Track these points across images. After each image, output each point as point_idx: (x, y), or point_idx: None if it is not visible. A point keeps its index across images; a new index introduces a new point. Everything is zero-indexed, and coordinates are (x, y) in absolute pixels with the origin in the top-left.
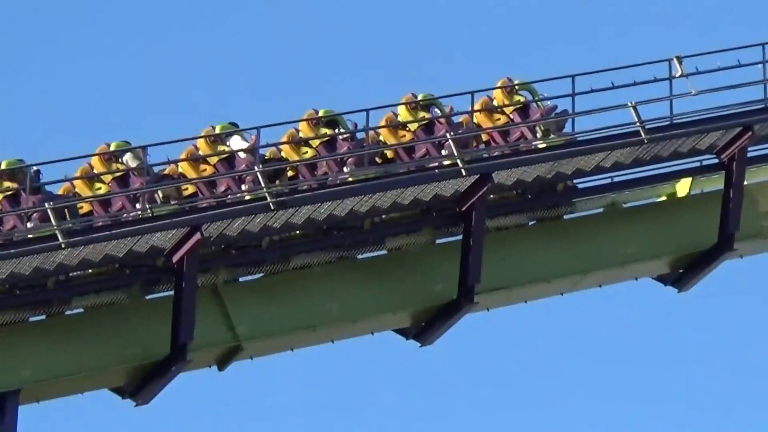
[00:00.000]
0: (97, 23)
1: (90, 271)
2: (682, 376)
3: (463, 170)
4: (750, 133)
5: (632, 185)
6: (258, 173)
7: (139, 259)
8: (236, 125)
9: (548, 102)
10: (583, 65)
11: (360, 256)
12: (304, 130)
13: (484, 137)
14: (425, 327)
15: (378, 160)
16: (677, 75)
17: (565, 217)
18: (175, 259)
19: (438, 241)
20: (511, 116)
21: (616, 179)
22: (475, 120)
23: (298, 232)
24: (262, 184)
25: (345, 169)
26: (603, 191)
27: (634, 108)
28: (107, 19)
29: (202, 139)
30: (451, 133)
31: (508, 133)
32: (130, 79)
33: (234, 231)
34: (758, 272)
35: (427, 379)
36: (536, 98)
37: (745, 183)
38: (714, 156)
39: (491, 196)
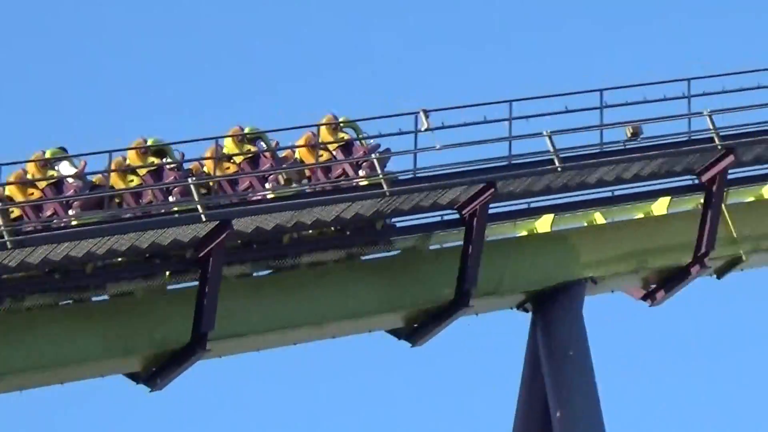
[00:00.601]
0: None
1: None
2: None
3: (203, 216)
4: (492, 189)
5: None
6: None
7: None
8: (65, 150)
9: (371, 140)
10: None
11: (95, 299)
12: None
13: (307, 173)
14: (157, 371)
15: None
16: (423, 129)
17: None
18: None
19: (172, 287)
20: (334, 153)
21: None
22: (298, 155)
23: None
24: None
25: (71, 213)
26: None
27: (378, 160)
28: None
29: (32, 163)
30: (273, 165)
31: (330, 170)
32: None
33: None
34: (493, 328)
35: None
36: (359, 136)
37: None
38: (455, 211)
39: (309, 231)
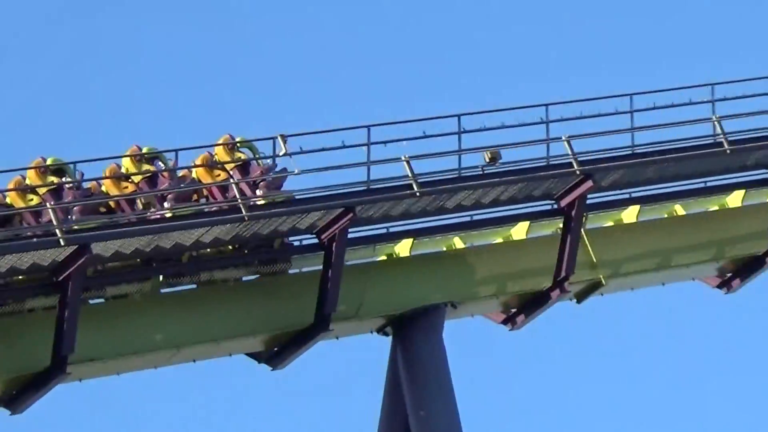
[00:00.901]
0: None
1: None
2: None
3: (61, 240)
4: (351, 214)
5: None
6: None
7: None
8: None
9: (268, 160)
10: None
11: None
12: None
13: (205, 192)
14: (17, 394)
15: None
16: (281, 153)
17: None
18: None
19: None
20: (231, 173)
21: None
22: (195, 175)
23: None
24: None
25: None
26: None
27: (236, 185)
28: None
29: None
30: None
31: (227, 189)
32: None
33: None
34: (353, 352)
35: None
36: (256, 156)
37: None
38: (314, 236)
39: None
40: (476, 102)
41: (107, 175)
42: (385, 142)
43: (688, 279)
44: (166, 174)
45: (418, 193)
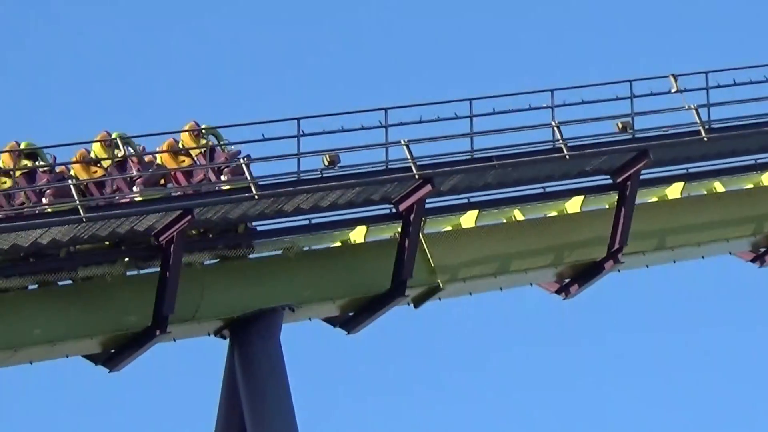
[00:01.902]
0: None
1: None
2: None
3: None
4: (189, 216)
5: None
6: None
7: None
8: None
9: (232, 147)
10: None
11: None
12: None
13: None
14: (354, 315)
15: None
16: (119, 155)
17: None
18: None
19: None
20: (196, 159)
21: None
22: (160, 161)
23: None
24: None
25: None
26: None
27: (76, 186)
28: None
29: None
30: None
31: (192, 174)
32: None
33: None
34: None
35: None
36: (221, 142)
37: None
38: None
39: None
40: (318, 105)
41: (75, 159)
42: (221, 145)
43: (526, 284)
44: (135, 159)
45: (256, 196)
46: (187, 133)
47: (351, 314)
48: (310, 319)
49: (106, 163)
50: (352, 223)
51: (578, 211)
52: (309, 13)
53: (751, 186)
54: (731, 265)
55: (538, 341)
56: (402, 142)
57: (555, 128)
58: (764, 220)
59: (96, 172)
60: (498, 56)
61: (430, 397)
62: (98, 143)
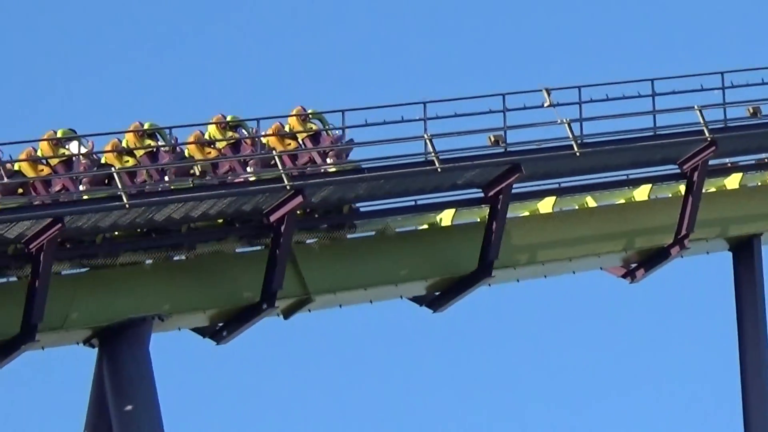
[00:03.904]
0: None
1: None
2: None
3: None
4: (60, 225)
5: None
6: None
7: None
8: (75, 131)
9: (337, 131)
10: None
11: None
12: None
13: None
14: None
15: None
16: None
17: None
18: None
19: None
20: (303, 142)
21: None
22: (270, 143)
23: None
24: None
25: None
26: None
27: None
28: None
29: (44, 142)
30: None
31: (297, 157)
32: None
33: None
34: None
35: None
36: (326, 127)
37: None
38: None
39: None
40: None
41: (191, 140)
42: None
43: (396, 297)
44: (248, 141)
45: (127, 205)
46: (294, 117)
47: (220, 324)
48: (179, 329)
49: (220, 144)
50: (225, 234)
51: (450, 224)
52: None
53: (622, 201)
54: (602, 280)
55: (407, 354)
56: (275, 153)
57: (427, 141)
58: (635, 236)
59: (210, 153)
60: (371, 67)
61: (295, 408)
62: (214, 125)
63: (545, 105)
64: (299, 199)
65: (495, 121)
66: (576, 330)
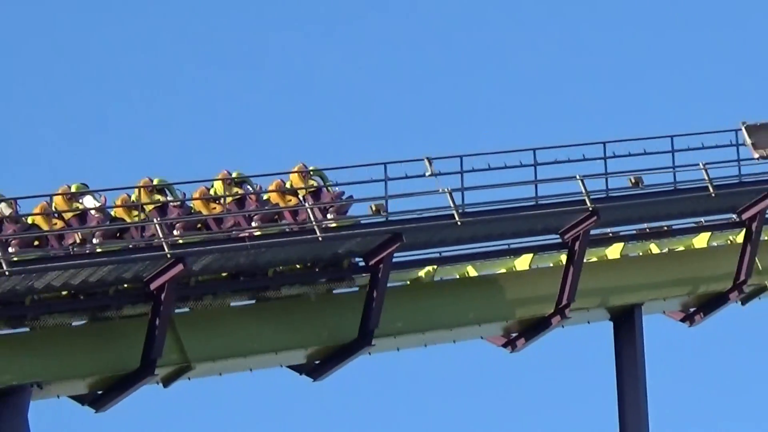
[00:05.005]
0: None
1: None
2: None
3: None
4: None
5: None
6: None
7: None
8: (87, 186)
9: (337, 188)
10: None
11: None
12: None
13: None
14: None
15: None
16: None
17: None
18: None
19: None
20: (302, 198)
21: None
22: (271, 199)
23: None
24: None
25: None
26: None
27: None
28: None
29: (58, 196)
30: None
31: (297, 213)
32: None
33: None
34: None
35: None
36: (326, 183)
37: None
38: None
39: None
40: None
41: (196, 196)
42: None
43: (276, 365)
44: (253, 197)
45: (7, 272)
46: (296, 174)
47: (100, 392)
48: (58, 396)
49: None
50: (105, 302)
51: (330, 293)
52: None
53: (503, 271)
54: (483, 350)
55: (286, 423)
56: (155, 221)
57: (309, 210)
58: (516, 306)
59: (215, 208)
60: (250, 139)
61: None
62: (219, 181)
63: (427, 174)
64: (180, 267)
65: (376, 190)
66: (457, 398)
